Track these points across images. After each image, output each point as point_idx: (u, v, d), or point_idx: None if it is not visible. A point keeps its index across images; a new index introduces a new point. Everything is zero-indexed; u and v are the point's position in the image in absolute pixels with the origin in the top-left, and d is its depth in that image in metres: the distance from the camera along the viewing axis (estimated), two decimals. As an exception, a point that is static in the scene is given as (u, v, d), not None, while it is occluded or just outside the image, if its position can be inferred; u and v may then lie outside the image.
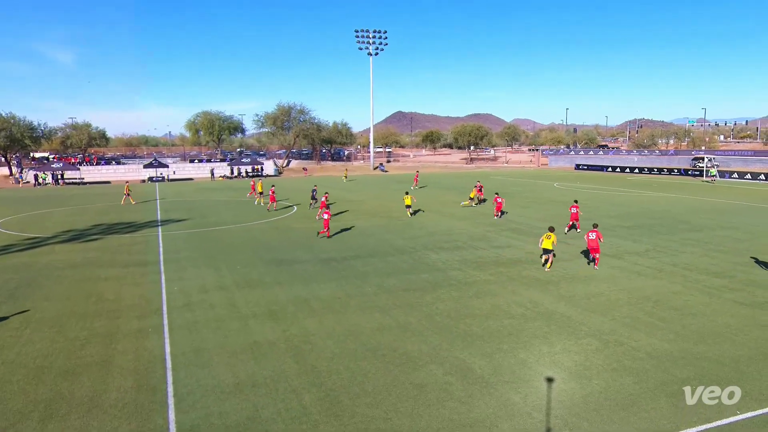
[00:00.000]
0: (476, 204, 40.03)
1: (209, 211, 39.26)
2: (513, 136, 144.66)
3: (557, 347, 13.02)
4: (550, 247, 20.22)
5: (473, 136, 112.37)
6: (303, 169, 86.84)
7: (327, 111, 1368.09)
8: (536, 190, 51.33)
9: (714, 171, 66.73)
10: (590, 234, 20.73)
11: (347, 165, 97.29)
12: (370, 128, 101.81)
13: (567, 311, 15.53)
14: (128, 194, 45.17)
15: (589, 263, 20.98)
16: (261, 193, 42.10)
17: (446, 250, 24.12)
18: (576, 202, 30.19)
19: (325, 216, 27.50)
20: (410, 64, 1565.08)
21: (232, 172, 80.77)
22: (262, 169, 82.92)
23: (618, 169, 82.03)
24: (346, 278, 19.27)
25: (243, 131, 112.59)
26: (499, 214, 33.63)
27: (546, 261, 20.39)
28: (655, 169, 77.66)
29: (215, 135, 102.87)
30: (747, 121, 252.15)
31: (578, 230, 27.87)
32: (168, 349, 13.05)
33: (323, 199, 35.77)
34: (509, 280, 18.94)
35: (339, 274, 19.82)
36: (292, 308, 15.99)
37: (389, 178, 70.49)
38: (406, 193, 36.40)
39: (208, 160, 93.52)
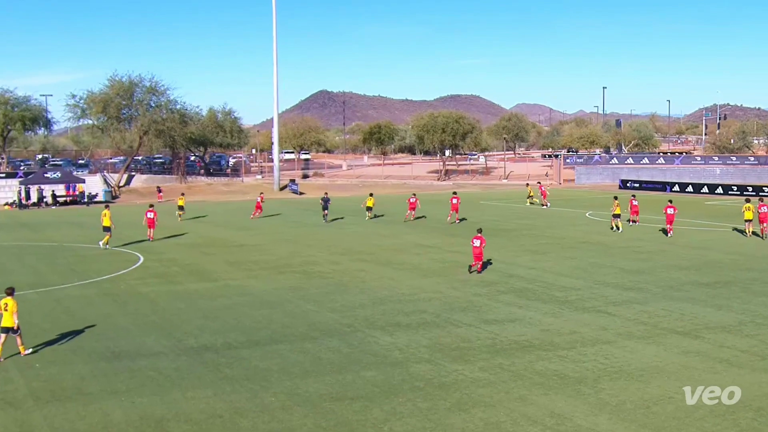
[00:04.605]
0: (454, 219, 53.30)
1: (-14, 265, 38.32)
2: (516, 132, 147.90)
3: (597, 492, 13.16)
4: (752, 217, 41.49)
5: (450, 132, 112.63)
6: (157, 189, 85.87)
7: (199, 92, 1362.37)
8: (556, 225, 52.37)
9: None
10: (762, 207, 41.67)
11: (230, 182, 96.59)
12: (273, 119, 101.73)
13: (613, 430, 15.80)
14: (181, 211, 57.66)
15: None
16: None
17: (406, 328, 24.21)
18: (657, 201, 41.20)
19: (476, 242, 31.96)
20: (340, 14, 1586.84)
21: (28, 197, 78.91)
22: (74, 190, 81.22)
23: (689, 188, 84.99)
24: (233, 381, 19.07)
25: (49, 124, 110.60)
26: (634, 220, 50.48)
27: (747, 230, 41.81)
28: (750, 188, 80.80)
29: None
30: None
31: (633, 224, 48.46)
32: None
33: (454, 200, 48.69)
34: (514, 378, 19.12)
35: (219, 375, 19.60)
36: (136, 437, 15.64)
37: (306, 205, 70.43)
38: (370, 195, 54.20)
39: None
